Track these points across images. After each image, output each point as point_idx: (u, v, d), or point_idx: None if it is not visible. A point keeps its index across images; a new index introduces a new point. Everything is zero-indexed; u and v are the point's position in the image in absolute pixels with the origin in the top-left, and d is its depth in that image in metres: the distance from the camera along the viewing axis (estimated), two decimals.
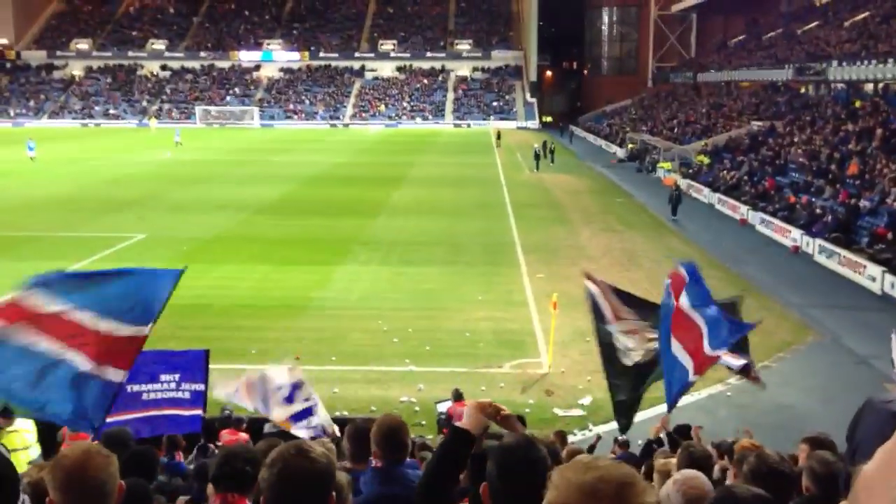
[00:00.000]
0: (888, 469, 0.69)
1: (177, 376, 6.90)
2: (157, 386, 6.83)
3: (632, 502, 1.49)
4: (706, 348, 6.97)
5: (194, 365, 7.02)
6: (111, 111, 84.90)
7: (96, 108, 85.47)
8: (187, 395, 6.89)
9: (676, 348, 7.26)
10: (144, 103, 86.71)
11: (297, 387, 7.79)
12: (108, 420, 6.49)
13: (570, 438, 11.19)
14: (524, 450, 2.58)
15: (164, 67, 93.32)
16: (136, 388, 6.72)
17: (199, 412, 6.95)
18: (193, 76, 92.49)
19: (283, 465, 2.53)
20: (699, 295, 7.22)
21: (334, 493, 2.66)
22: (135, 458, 5.21)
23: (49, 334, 4.99)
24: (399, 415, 4.53)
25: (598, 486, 1.50)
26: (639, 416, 8.45)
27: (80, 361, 5.06)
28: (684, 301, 7.24)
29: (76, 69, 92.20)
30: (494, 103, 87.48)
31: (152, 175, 41.84)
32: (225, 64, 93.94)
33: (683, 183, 40.71)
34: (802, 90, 51.90)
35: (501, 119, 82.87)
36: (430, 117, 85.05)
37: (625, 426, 8.17)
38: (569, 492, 1.51)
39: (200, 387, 6.97)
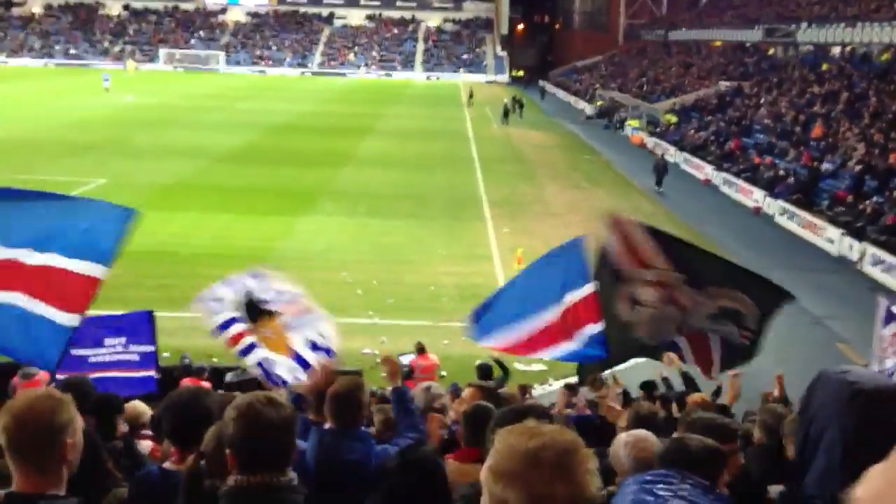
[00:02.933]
0: (889, 492, 0.66)
1: (122, 339, 6.74)
2: (102, 350, 6.66)
3: (573, 469, 1.50)
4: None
5: (139, 327, 6.88)
6: (72, 51, 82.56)
7: (56, 47, 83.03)
8: (136, 357, 6.74)
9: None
10: (106, 44, 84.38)
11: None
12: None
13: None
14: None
15: (126, 7, 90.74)
16: (80, 351, 6.53)
17: (151, 373, 6.81)
18: (157, 17, 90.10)
19: (254, 414, 2.54)
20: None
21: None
22: (97, 405, 5.11)
23: None
24: (357, 379, 4.50)
25: (540, 454, 1.50)
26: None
27: (23, 300, 4.82)
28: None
29: (35, 6, 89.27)
30: (465, 56, 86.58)
31: (113, 119, 40.91)
32: (189, 6, 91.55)
33: (650, 141, 40.88)
34: (771, 51, 52.08)
35: (471, 72, 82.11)
36: (400, 68, 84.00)
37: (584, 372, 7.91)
38: (511, 458, 1.51)
39: (149, 348, 6.82)
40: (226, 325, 5.81)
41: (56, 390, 2.64)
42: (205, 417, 3.44)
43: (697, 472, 2.90)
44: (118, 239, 5.05)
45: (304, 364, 5.90)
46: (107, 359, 6.69)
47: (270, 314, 6.36)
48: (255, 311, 6.39)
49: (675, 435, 3.89)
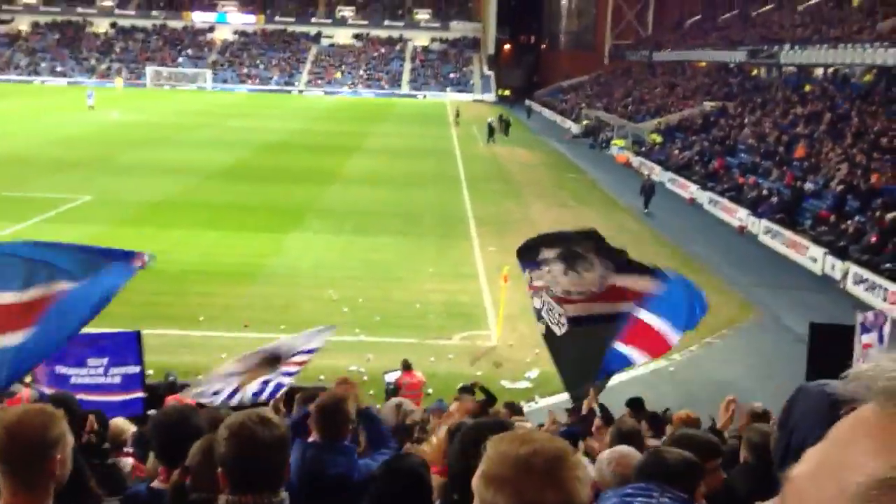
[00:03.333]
0: (819, 471, 0.69)
1: (104, 361, 6.64)
2: (83, 371, 6.58)
3: (562, 476, 1.52)
4: (669, 337, 7.08)
5: (125, 347, 6.81)
6: (58, 68, 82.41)
7: (42, 64, 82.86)
8: (117, 380, 6.65)
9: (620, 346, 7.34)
10: (93, 62, 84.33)
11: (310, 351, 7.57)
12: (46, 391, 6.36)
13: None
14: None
15: (113, 25, 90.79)
16: (63, 370, 6.49)
17: (136, 395, 6.70)
18: (145, 35, 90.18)
19: (247, 434, 2.51)
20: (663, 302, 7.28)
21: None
22: (82, 422, 5.12)
23: None
24: (341, 393, 4.53)
25: (530, 460, 1.52)
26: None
27: None
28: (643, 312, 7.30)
29: (22, 24, 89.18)
30: (451, 75, 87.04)
31: (100, 136, 40.84)
32: (177, 24, 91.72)
33: (635, 161, 41.17)
34: (755, 72, 52.67)
35: (458, 91, 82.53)
36: (387, 87, 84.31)
37: (574, 396, 8.18)
38: (502, 464, 1.53)
39: (134, 369, 6.72)
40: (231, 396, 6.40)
41: (49, 405, 2.63)
42: (193, 436, 3.44)
43: (675, 485, 2.94)
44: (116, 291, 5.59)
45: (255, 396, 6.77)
46: (87, 381, 6.60)
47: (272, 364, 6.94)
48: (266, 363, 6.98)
49: (652, 448, 3.93)
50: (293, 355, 7.12)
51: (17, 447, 2.38)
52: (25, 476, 2.39)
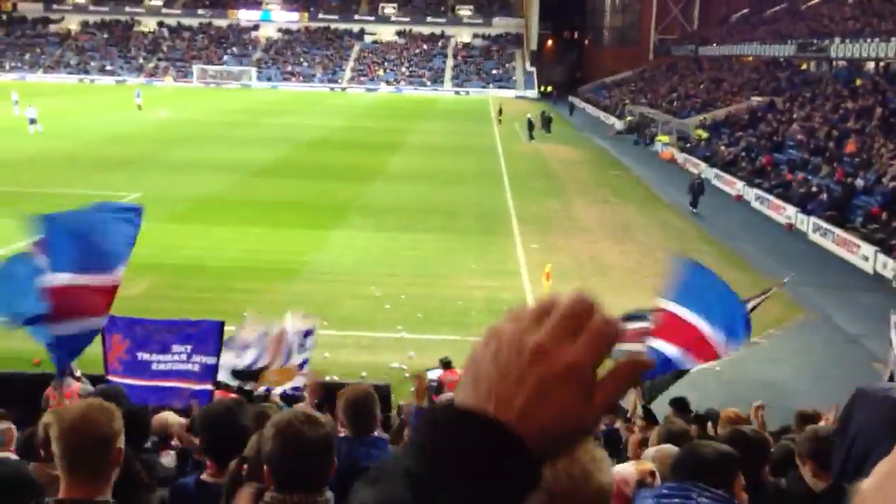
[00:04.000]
0: (889, 484, 0.66)
1: (188, 347, 6.72)
2: (167, 357, 6.68)
3: (578, 456, 1.59)
4: (711, 338, 6.96)
5: (208, 337, 6.84)
6: (107, 67, 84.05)
7: (92, 63, 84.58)
8: (196, 369, 6.71)
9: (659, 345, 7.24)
10: (141, 60, 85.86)
11: (309, 333, 7.97)
12: (113, 380, 6.53)
13: None
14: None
15: (160, 24, 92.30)
16: (146, 356, 6.62)
17: (208, 386, 6.77)
18: (191, 34, 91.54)
19: (293, 433, 2.54)
20: (693, 293, 7.18)
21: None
22: (128, 417, 5.19)
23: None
24: (367, 386, 4.55)
25: (569, 466, 1.58)
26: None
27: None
28: (673, 307, 7.21)
29: (72, 23, 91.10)
30: (494, 71, 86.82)
31: (148, 134, 41.57)
32: (223, 22, 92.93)
33: (680, 157, 40.64)
34: (804, 67, 51.63)
35: (500, 87, 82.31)
36: (429, 83, 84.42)
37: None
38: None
39: (212, 360, 6.76)
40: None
41: (105, 401, 2.74)
42: (239, 433, 3.47)
43: (710, 478, 2.87)
44: (132, 239, 5.92)
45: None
46: (169, 367, 6.70)
47: (261, 370, 7.22)
48: (248, 375, 7.22)
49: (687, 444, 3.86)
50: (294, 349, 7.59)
51: (82, 443, 2.50)
52: (91, 469, 2.50)
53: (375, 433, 4.30)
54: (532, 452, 0.72)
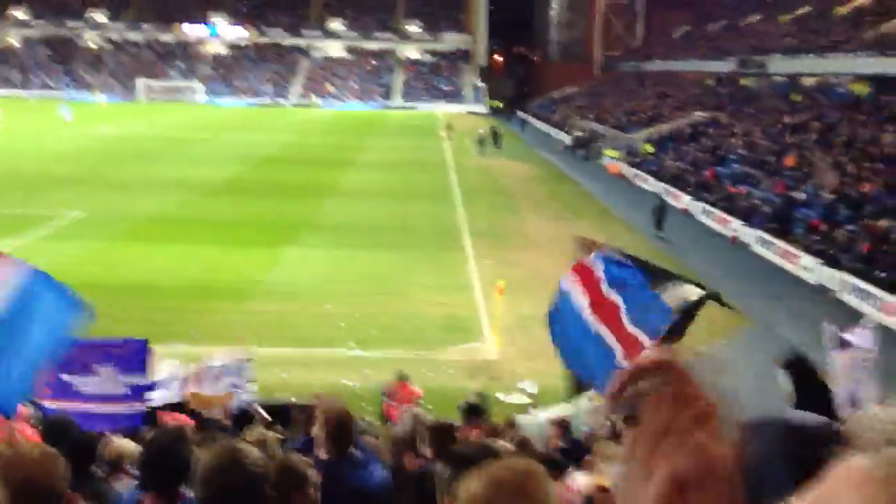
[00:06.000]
0: None
1: (112, 369, 6.40)
2: (91, 378, 6.36)
3: (531, 491, 1.68)
4: (629, 328, 7.10)
5: (133, 356, 6.54)
6: (50, 83, 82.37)
7: (34, 79, 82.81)
8: (127, 391, 6.44)
9: (602, 331, 7.39)
10: (85, 76, 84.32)
11: (241, 369, 8.05)
12: (48, 406, 6.27)
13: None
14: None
15: (105, 39, 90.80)
16: (67, 378, 6.26)
17: (140, 406, 6.56)
18: (136, 49, 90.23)
19: (219, 478, 2.55)
20: (619, 278, 7.30)
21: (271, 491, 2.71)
22: (77, 446, 5.04)
23: None
24: (343, 405, 4.57)
25: (503, 477, 1.70)
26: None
27: None
28: (603, 287, 7.32)
29: (14, 39, 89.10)
30: (443, 87, 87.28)
31: (91, 151, 40.82)
32: (169, 37, 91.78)
33: (628, 171, 41.34)
34: (744, 82, 53.01)
35: (450, 102, 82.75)
36: (379, 99, 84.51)
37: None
38: (477, 483, 1.69)
39: (141, 380, 6.52)
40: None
41: (52, 450, 2.69)
42: (182, 465, 3.41)
43: None
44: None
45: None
46: (94, 390, 6.34)
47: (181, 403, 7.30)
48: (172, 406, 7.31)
49: None
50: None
51: (31, 498, 2.46)
52: None
53: (355, 451, 4.33)
54: None
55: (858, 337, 9.11)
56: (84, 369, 6.29)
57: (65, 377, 6.21)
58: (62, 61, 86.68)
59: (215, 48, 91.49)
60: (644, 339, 7.25)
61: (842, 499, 0.65)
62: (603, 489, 4.49)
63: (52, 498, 2.48)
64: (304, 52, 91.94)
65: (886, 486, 0.62)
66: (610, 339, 7.28)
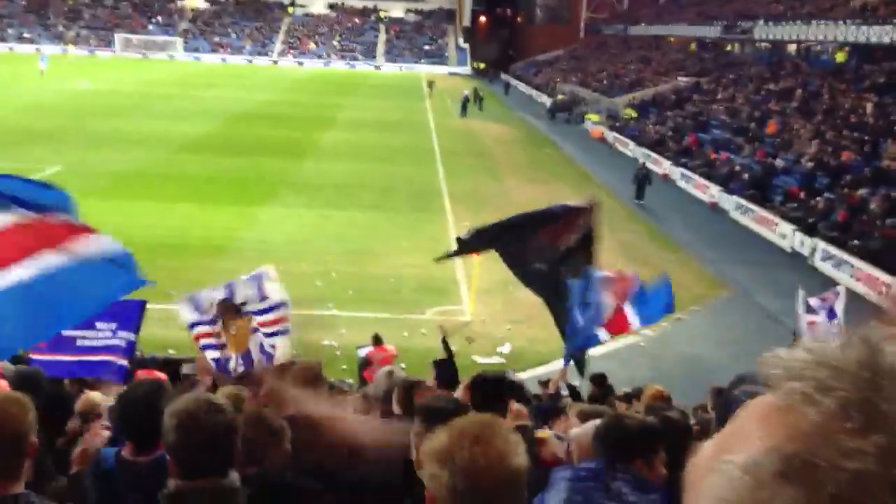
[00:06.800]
0: (722, 447, 0.71)
1: (114, 325, 6.67)
2: (92, 332, 6.59)
3: (491, 440, 1.73)
4: (627, 312, 7.28)
5: (131, 314, 6.82)
6: (25, 35, 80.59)
7: (9, 30, 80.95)
8: (123, 344, 6.69)
9: (603, 296, 7.50)
10: (60, 28, 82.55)
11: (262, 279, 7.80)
12: (37, 358, 6.33)
13: None
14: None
15: None
16: (70, 332, 6.46)
17: (125, 363, 6.77)
18: (114, 1, 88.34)
19: (193, 421, 2.55)
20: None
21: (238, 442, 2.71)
22: (50, 400, 5.07)
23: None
24: (315, 361, 4.55)
25: (463, 428, 1.76)
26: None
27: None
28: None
29: None
30: (426, 47, 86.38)
31: (68, 105, 40.11)
32: None
33: (609, 136, 41.23)
34: (728, 48, 52.83)
35: (433, 63, 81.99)
36: (361, 58, 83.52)
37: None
38: (439, 438, 1.75)
39: (132, 336, 6.75)
40: (191, 326, 6.89)
41: (19, 393, 2.70)
42: (158, 417, 3.39)
43: (633, 450, 2.93)
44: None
45: (248, 363, 7.16)
46: (95, 343, 6.61)
47: (242, 315, 7.13)
48: (232, 309, 7.13)
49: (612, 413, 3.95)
50: (261, 311, 7.41)
51: None
52: (3, 465, 2.47)
53: None
54: None
55: (828, 303, 9.26)
56: (87, 325, 6.48)
57: (68, 333, 6.36)
58: (37, 13, 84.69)
59: (195, 3, 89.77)
60: (634, 321, 7.47)
61: (747, 431, 0.69)
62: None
63: (15, 439, 2.47)
64: (285, 8, 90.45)
65: (785, 415, 0.66)
66: (607, 302, 7.42)
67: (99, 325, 6.65)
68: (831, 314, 9.57)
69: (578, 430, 3.94)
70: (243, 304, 7.25)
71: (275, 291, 7.50)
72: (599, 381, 9.14)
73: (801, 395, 0.66)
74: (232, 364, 7.22)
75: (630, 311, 7.38)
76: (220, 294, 7.22)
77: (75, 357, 6.52)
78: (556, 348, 9.47)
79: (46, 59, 52.54)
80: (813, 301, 9.84)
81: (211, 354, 7.08)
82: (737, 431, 0.71)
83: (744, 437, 0.69)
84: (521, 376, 12.47)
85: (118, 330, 6.71)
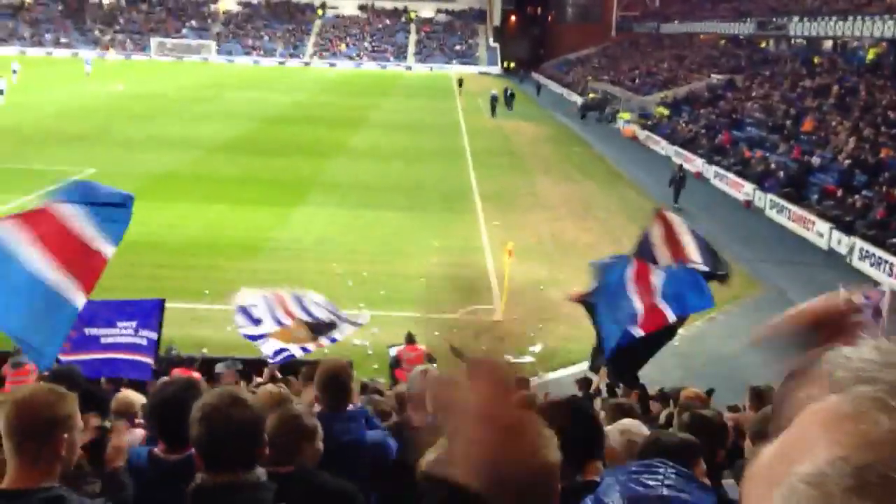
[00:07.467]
0: (782, 456, 0.65)
1: (133, 323, 6.81)
2: (114, 331, 6.74)
3: (522, 433, 1.70)
4: (661, 306, 7.17)
5: (150, 313, 6.96)
6: (62, 40, 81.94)
7: (47, 35, 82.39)
8: (145, 342, 6.80)
9: (632, 294, 7.44)
10: (96, 33, 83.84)
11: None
12: (63, 359, 6.45)
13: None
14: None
15: None
16: (94, 331, 6.63)
17: (151, 361, 6.87)
18: (148, 6, 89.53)
19: (219, 415, 2.55)
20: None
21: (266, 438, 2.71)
22: (85, 397, 5.11)
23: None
24: (342, 361, 4.57)
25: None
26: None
27: (48, 269, 5.01)
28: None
29: None
30: (457, 47, 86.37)
31: (104, 108, 40.72)
32: None
33: (642, 134, 40.90)
34: (763, 45, 52.13)
35: (464, 63, 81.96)
36: (392, 59, 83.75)
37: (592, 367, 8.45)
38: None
39: (154, 335, 6.87)
40: (254, 338, 7.42)
41: (60, 387, 2.67)
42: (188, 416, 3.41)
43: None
44: (125, 222, 5.58)
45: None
46: (118, 340, 6.76)
47: (315, 338, 7.44)
48: (306, 327, 7.45)
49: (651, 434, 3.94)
50: (327, 332, 7.72)
51: (24, 423, 2.43)
52: (31, 453, 2.42)
53: (351, 406, 4.35)
54: None
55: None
56: (108, 323, 6.72)
57: (91, 331, 6.59)
58: (74, 18, 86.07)
59: (227, 5, 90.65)
60: (669, 314, 7.34)
61: (811, 438, 0.63)
62: None
63: (48, 425, 2.44)
64: (316, 10, 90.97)
65: (855, 423, 0.60)
66: (637, 303, 7.34)
67: (120, 323, 6.81)
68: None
69: (622, 424, 3.94)
70: (320, 331, 7.70)
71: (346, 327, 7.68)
72: (586, 384, 9.18)
73: (873, 401, 0.60)
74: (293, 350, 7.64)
75: (663, 304, 7.29)
76: (298, 312, 7.60)
77: (102, 355, 6.65)
78: (588, 347, 9.42)
79: (91, 62, 53.73)
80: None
81: (273, 345, 7.46)
82: (798, 439, 0.64)
83: (807, 446, 0.62)
84: (552, 376, 12.43)
85: (139, 328, 6.84)
